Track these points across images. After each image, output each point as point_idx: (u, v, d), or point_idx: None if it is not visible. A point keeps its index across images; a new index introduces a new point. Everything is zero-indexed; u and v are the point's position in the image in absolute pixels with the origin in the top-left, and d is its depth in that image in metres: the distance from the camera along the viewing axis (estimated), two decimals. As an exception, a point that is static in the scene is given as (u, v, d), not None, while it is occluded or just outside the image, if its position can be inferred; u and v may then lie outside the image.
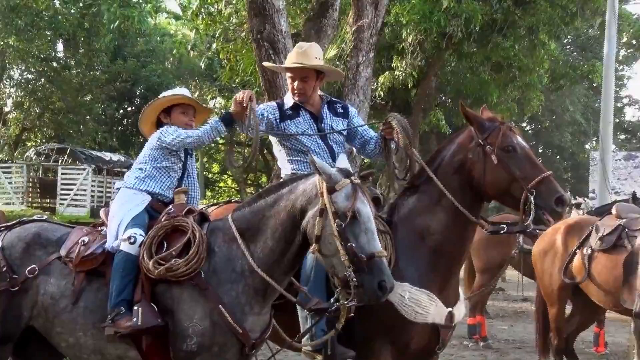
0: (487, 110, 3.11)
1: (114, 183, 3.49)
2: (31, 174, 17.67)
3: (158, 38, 21.57)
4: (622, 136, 26.93)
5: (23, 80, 20.30)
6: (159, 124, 3.09)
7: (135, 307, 2.66)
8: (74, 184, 16.37)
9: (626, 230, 4.70)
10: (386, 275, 2.44)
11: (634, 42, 19.27)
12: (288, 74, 3.30)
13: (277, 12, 6.01)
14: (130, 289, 2.71)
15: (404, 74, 10.92)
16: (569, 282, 4.91)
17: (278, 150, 3.29)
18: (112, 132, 21.69)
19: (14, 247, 2.90)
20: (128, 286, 2.72)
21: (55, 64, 19.78)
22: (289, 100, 3.27)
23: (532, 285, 6.99)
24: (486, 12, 10.36)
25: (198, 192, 3.19)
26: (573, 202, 7.27)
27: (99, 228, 3.00)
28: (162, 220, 2.83)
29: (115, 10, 13.62)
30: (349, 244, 2.44)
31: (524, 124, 23.26)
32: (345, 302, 2.53)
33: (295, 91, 3.22)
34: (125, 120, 22.51)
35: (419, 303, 2.83)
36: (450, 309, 2.93)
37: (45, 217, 3.25)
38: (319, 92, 3.32)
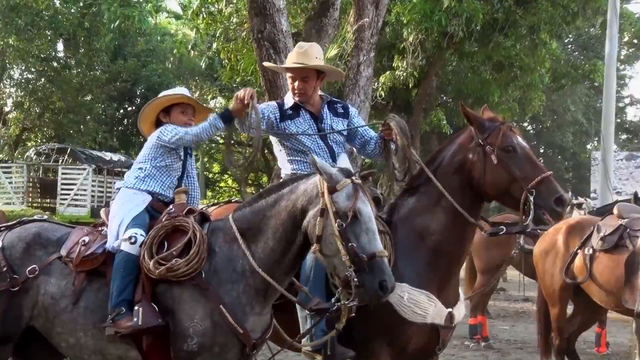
0: (488, 110, 3.11)
1: (114, 183, 3.48)
2: (31, 173, 17.68)
3: (158, 38, 21.57)
4: (624, 136, 26.92)
5: (23, 80, 20.32)
6: (158, 124, 3.09)
7: (136, 307, 2.66)
8: (74, 184, 16.38)
9: (628, 230, 4.70)
10: (387, 275, 2.44)
11: (635, 41, 19.27)
12: (288, 74, 3.30)
13: (278, 11, 6.01)
14: (130, 289, 2.71)
15: (405, 74, 10.91)
16: (570, 282, 4.91)
17: (278, 150, 3.29)
18: (113, 132, 21.70)
19: (15, 247, 2.89)
20: (129, 286, 2.71)
21: (55, 64, 19.79)
22: (289, 100, 3.27)
23: (533, 286, 6.98)
24: (487, 12, 10.36)
25: (198, 191, 3.18)
26: (574, 202, 7.26)
27: (100, 228, 2.99)
28: (163, 220, 2.83)
29: (116, 9, 13.60)
30: (350, 244, 2.43)
31: (525, 124, 23.27)
32: (347, 302, 2.53)
33: (296, 91, 3.22)
34: (125, 120, 22.52)
35: (417, 304, 2.83)
36: (450, 309, 2.93)
37: (45, 217, 3.26)
38: (320, 92, 3.32)
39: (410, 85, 11.23)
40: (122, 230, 2.83)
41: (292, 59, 3.25)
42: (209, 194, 25.32)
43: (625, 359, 6.14)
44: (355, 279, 2.42)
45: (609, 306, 4.92)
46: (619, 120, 22.28)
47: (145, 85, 20.66)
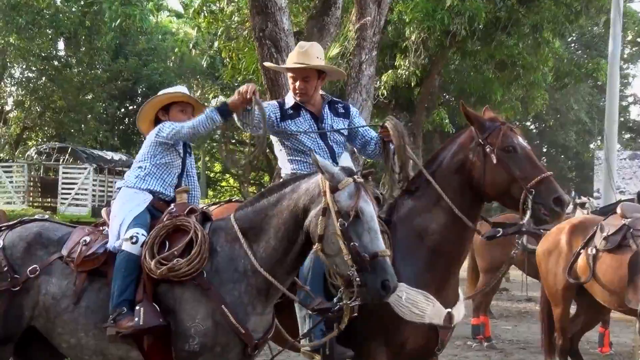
0: (490, 110, 3.10)
1: (115, 182, 3.47)
2: (32, 173, 17.67)
3: (160, 36, 21.58)
4: (627, 135, 26.88)
5: (24, 79, 20.32)
6: (157, 123, 3.08)
7: (137, 307, 2.65)
8: (75, 183, 16.36)
9: (631, 230, 4.67)
10: (389, 274, 2.42)
11: (639, 40, 19.24)
12: (289, 74, 3.29)
13: (280, 10, 5.99)
14: (132, 289, 2.70)
15: (407, 73, 10.90)
16: (573, 282, 4.88)
17: (278, 149, 3.29)
18: (114, 131, 21.72)
19: (15, 247, 2.88)
20: (130, 286, 2.70)
21: (56, 63, 19.79)
22: (290, 99, 3.27)
23: (536, 286, 6.95)
24: (490, 10, 10.34)
25: (198, 191, 3.18)
26: (578, 201, 7.24)
27: (101, 228, 2.98)
28: (164, 219, 2.82)
29: (117, 8, 13.59)
30: (352, 243, 2.42)
31: (528, 123, 23.25)
32: (349, 302, 2.52)
33: (297, 91, 3.21)
34: (126, 119, 22.53)
35: (415, 303, 2.82)
36: (449, 309, 2.92)
37: (46, 216, 3.24)
38: (321, 92, 3.32)
39: (412, 84, 11.22)
40: (123, 230, 2.82)
41: (293, 59, 3.24)
42: (210, 193, 25.32)
43: (628, 359, 6.12)
44: (358, 279, 2.40)
45: (612, 306, 4.90)
46: (622, 119, 22.25)
47: (147, 84, 20.65)
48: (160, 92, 3.19)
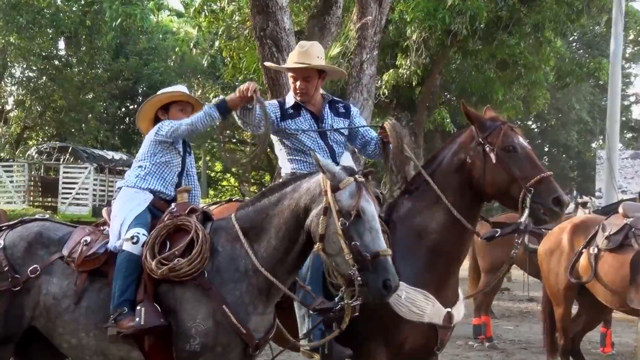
0: (491, 109, 3.10)
1: (116, 182, 3.47)
2: (33, 172, 17.66)
3: (160, 36, 21.58)
4: (629, 135, 26.87)
5: (24, 79, 20.30)
6: (157, 122, 3.08)
7: (138, 307, 2.64)
8: (76, 183, 16.35)
9: (633, 229, 4.66)
10: (391, 274, 2.42)
11: (640, 39, 19.20)
12: (290, 74, 3.28)
13: (281, 9, 5.98)
14: (133, 289, 2.69)
15: (408, 72, 10.88)
16: (575, 281, 4.87)
17: (279, 149, 3.29)
18: (114, 130, 21.72)
19: (16, 247, 2.88)
20: (131, 286, 2.70)
21: (56, 62, 19.79)
22: (290, 99, 3.26)
23: (538, 285, 6.94)
24: (491, 10, 10.32)
25: (198, 190, 3.18)
26: (579, 200, 7.23)
27: (102, 227, 2.98)
28: (165, 219, 2.81)
29: (117, 7, 13.60)
30: (353, 243, 2.41)
31: (530, 122, 23.23)
32: (350, 302, 2.51)
33: (298, 91, 3.21)
34: (127, 119, 22.51)
35: (414, 302, 2.82)
36: (448, 309, 2.92)
37: (47, 216, 3.24)
38: (321, 92, 3.31)
39: (413, 83, 11.19)
40: (124, 229, 2.81)
41: (293, 59, 3.24)
42: (211, 192, 25.32)
43: (630, 359, 6.10)
44: (359, 278, 2.40)
45: (614, 306, 4.89)
46: (624, 119, 22.21)
47: (147, 83, 20.64)
48: (160, 91, 3.19)
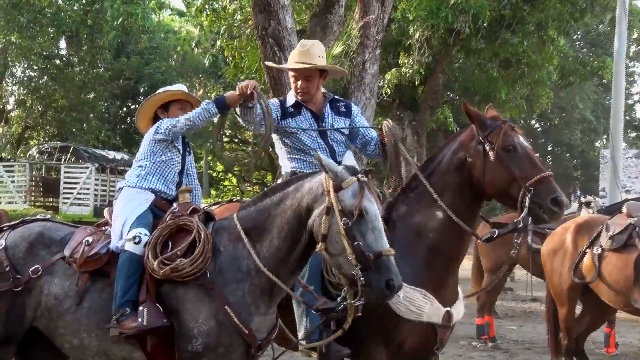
0: (492, 108, 3.09)
1: (117, 182, 3.47)
2: (34, 172, 17.66)
3: (162, 35, 21.60)
4: (633, 134, 26.79)
5: (25, 78, 20.32)
6: (156, 121, 3.07)
7: (140, 308, 2.63)
8: (77, 183, 16.34)
9: (637, 229, 4.64)
10: (394, 273, 2.41)
11: (644, 38, 19.15)
12: (291, 73, 3.27)
13: (282, 8, 5.97)
14: (135, 290, 2.69)
15: (410, 71, 10.86)
16: (578, 281, 4.85)
17: (279, 148, 3.28)
18: (116, 130, 21.74)
19: (18, 247, 2.87)
20: (133, 286, 2.69)
21: (58, 62, 19.80)
22: (291, 97, 3.25)
23: (541, 285, 6.92)
24: (494, 8, 10.30)
25: (199, 190, 3.17)
26: (583, 200, 7.20)
27: (103, 228, 2.97)
28: (167, 219, 2.80)
29: (119, 7, 13.62)
30: (355, 243, 2.40)
31: (533, 122, 23.19)
32: (352, 302, 2.50)
33: (299, 90, 3.20)
34: (128, 118, 22.53)
35: (413, 302, 2.81)
36: (447, 308, 2.91)
37: (48, 216, 3.23)
38: (323, 90, 3.30)
39: (416, 82, 11.17)
40: (125, 230, 2.81)
41: (294, 58, 3.22)
42: (213, 192, 25.33)
43: (634, 359, 6.09)
44: (362, 278, 2.39)
45: (618, 306, 4.87)
46: (627, 118, 22.18)
47: (149, 83, 20.65)
48: (160, 90, 3.18)
